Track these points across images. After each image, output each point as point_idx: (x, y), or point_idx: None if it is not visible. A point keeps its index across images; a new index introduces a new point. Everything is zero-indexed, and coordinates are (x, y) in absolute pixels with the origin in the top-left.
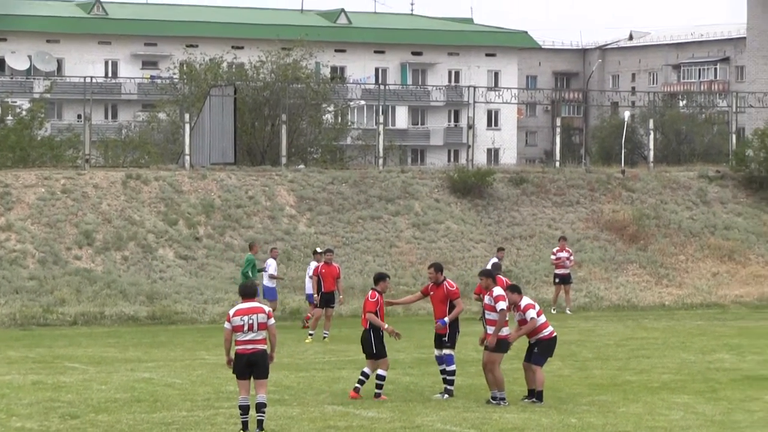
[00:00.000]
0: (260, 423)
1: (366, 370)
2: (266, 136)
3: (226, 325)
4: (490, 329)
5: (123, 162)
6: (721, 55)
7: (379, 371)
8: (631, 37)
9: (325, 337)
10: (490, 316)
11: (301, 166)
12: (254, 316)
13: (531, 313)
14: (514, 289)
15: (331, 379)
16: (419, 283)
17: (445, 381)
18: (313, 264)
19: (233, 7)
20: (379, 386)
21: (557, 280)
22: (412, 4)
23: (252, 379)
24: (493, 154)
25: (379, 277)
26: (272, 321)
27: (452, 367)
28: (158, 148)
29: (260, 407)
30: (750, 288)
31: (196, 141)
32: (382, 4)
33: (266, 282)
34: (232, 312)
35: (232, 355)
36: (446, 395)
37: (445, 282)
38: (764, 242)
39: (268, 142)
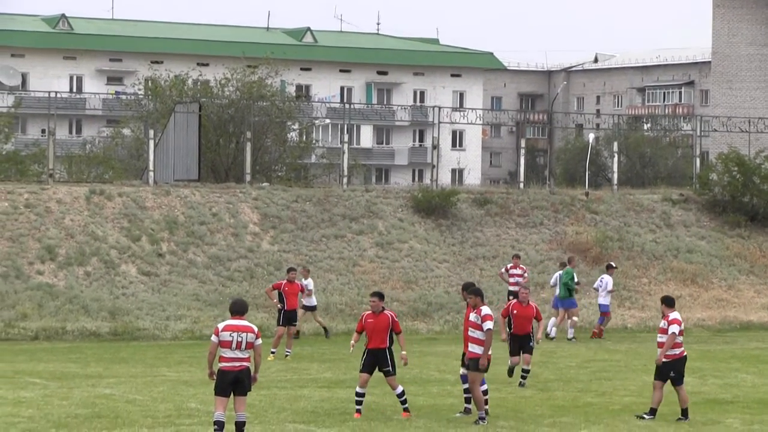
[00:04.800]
0: None
1: (357, 389)
2: (231, 154)
3: (213, 338)
4: (472, 347)
5: (87, 177)
6: (685, 79)
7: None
8: (596, 60)
9: (287, 355)
10: (475, 334)
11: (266, 184)
12: (244, 335)
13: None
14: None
15: (293, 397)
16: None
17: (468, 401)
18: (606, 277)
19: (199, 24)
20: (402, 402)
21: (511, 297)
22: (378, 24)
23: (233, 395)
24: (457, 174)
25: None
26: (259, 341)
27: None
28: (122, 163)
29: (240, 426)
30: (712, 312)
31: (161, 157)
32: (348, 24)
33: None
34: (221, 326)
35: (215, 368)
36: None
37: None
38: (727, 266)
39: (233, 159)
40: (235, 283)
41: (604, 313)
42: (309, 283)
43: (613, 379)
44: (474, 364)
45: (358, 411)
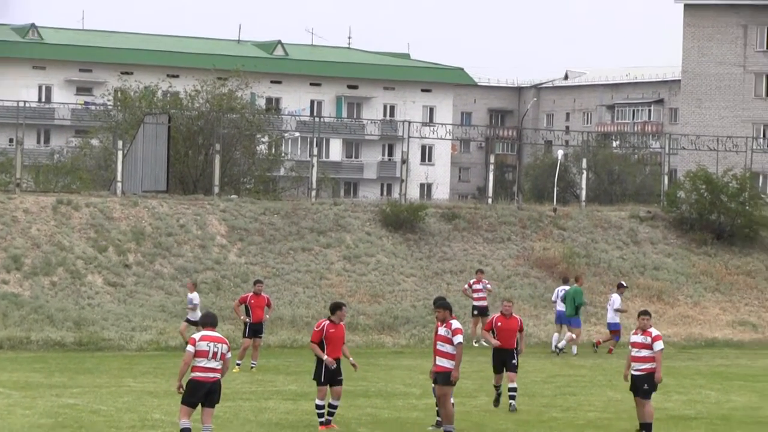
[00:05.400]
0: None
1: (316, 401)
2: (199, 165)
3: (190, 348)
4: (441, 361)
5: (54, 187)
6: (655, 97)
7: (331, 401)
8: (566, 77)
9: (252, 367)
10: (444, 348)
11: (234, 196)
12: (219, 346)
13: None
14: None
15: (258, 409)
16: (349, 316)
17: (438, 413)
18: (615, 296)
19: (169, 35)
20: (330, 414)
21: (475, 312)
22: (349, 38)
23: (201, 407)
24: (426, 189)
25: (335, 307)
26: (230, 354)
27: None
28: (90, 174)
29: None
30: (678, 328)
31: (129, 168)
32: (320, 37)
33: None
34: (197, 336)
35: (185, 381)
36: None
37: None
38: (693, 283)
39: (201, 171)
40: (202, 295)
41: (614, 331)
42: (194, 297)
43: (578, 395)
44: (443, 378)
45: (322, 423)
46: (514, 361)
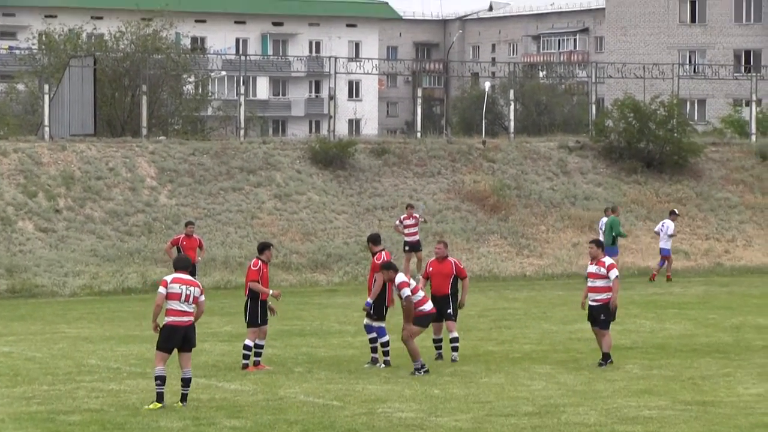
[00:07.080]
0: (185, 396)
1: (248, 342)
2: (126, 107)
3: (161, 289)
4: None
5: None
6: (580, 26)
7: (258, 341)
8: (491, 8)
9: None
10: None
11: (162, 138)
12: (192, 288)
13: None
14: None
15: (194, 351)
16: (282, 255)
17: (374, 350)
18: (669, 222)
19: None
20: (258, 354)
21: (407, 248)
22: None
23: (178, 352)
24: (354, 125)
25: (264, 246)
26: (203, 298)
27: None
28: (17, 119)
29: (188, 382)
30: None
31: (56, 112)
32: None
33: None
34: (169, 278)
35: (160, 322)
36: (382, 365)
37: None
38: (624, 212)
39: (129, 113)
40: (134, 238)
41: (665, 256)
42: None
43: (513, 328)
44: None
45: (247, 365)
46: (449, 310)
